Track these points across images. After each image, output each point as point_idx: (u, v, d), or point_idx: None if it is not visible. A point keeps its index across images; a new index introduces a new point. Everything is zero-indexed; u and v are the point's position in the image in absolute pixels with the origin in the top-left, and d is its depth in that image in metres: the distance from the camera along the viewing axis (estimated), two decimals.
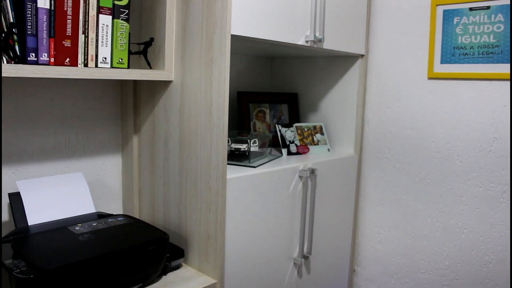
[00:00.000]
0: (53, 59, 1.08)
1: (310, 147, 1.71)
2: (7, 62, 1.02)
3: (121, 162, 1.56)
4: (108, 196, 1.54)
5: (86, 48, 1.14)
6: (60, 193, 1.30)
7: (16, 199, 1.23)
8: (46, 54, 1.07)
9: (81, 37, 1.12)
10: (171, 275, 1.28)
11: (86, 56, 1.14)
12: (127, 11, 1.21)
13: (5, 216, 1.31)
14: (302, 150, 1.68)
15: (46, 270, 0.96)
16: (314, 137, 1.75)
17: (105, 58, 1.18)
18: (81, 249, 1.07)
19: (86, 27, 1.13)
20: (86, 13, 1.12)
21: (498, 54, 1.45)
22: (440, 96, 1.59)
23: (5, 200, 1.30)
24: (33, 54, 1.05)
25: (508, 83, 1.44)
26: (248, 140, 1.45)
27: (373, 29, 1.73)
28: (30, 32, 1.03)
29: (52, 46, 1.08)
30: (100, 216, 1.31)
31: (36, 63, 1.05)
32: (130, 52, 1.26)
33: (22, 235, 1.13)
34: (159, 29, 1.32)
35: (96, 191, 1.50)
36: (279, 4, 1.31)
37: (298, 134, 1.70)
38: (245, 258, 1.34)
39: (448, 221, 1.62)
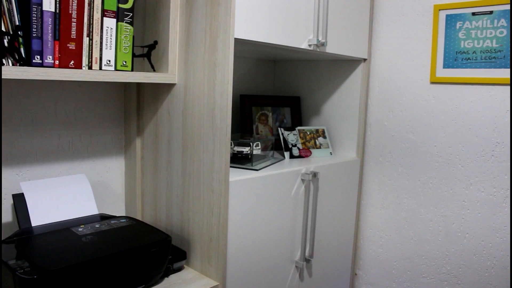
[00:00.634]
0: (57, 61, 1.09)
1: (312, 150, 1.71)
2: (13, 65, 1.03)
3: (124, 164, 1.56)
4: (111, 198, 1.55)
5: (90, 51, 1.15)
6: (63, 195, 1.31)
7: (20, 200, 1.24)
8: (51, 57, 1.08)
9: (86, 40, 1.13)
10: (173, 277, 1.29)
11: (90, 59, 1.15)
12: (131, 14, 1.22)
13: (9, 217, 1.31)
14: (304, 154, 1.69)
15: (49, 271, 0.96)
16: (316, 140, 1.75)
17: (109, 61, 1.19)
18: (84, 250, 1.07)
19: (91, 30, 1.14)
20: (90, 16, 1.13)
21: (501, 59, 1.45)
22: (443, 100, 1.59)
23: (9, 201, 1.31)
24: (38, 57, 1.06)
25: None
26: (251, 143, 1.45)
27: (375, 33, 1.74)
28: (35, 34, 1.04)
29: (57, 49, 1.09)
30: (103, 217, 1.32)
31: (41, 65, 1.06)
32: (134, 55, 1.27)
33: (25, 236, 1.14)
34: (163, 32, 1.33)
35: (99, 192, 1.51)
36: (282, 8, 1.32)
37: (300, 137, 1.71)
38: (247, 261, 1.35)
39: (450, 226, 1.61)
